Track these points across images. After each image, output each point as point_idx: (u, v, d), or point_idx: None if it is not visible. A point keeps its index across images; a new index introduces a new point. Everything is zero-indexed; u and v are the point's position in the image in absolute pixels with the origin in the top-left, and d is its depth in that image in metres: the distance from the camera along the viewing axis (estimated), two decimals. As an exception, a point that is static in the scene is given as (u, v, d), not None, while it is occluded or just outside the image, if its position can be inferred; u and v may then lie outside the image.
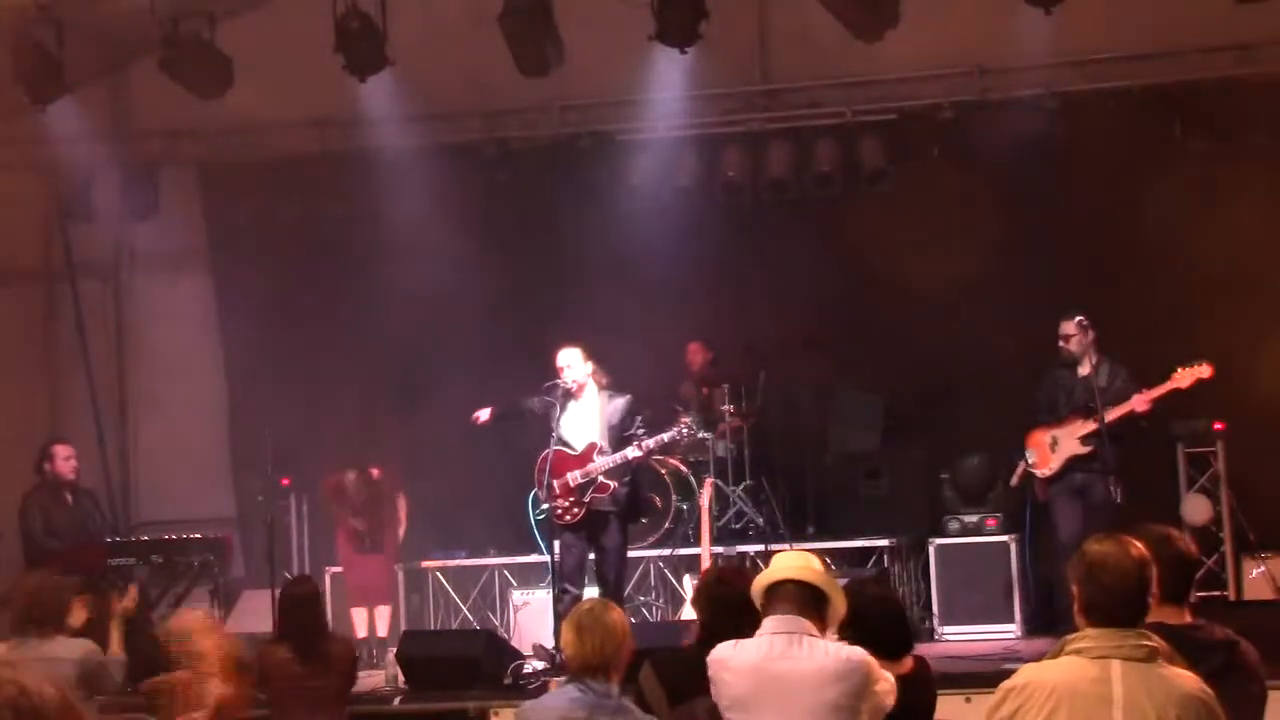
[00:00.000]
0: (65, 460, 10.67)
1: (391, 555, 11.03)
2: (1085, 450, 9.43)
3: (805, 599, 4.85)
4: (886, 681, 4.77)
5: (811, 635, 4.79)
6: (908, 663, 5.14)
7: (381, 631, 10.73)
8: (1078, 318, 9.53)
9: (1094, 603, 3.74)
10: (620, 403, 9.40)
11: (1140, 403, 9.34)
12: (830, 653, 4.75)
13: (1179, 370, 9.27)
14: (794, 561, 5.01)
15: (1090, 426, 9.37)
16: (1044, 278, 11.05)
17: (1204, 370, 9.24)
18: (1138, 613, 3.75)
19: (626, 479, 9.38)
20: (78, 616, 6.84)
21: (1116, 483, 9.37)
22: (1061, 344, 9.59)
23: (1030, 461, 9.73)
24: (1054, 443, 9.60)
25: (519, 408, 9.60)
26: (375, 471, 10.92)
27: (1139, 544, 3.83)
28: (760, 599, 4.96)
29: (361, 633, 10.68)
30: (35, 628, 6.62)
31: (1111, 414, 9.33)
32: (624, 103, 11.69)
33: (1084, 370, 9.56)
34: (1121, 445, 9.45)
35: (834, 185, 11.48)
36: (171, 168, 12.50)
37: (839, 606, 4.91)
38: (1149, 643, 3.70)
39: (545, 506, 9.35)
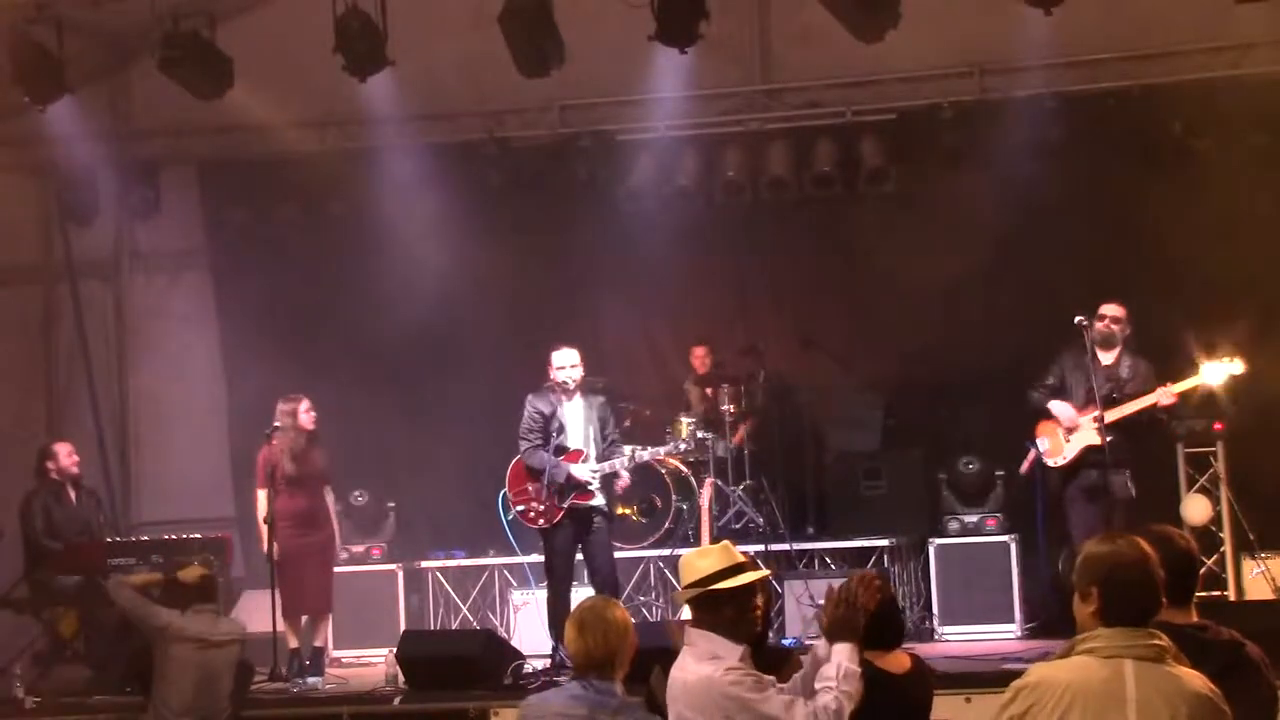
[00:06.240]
0: (69, 457, 10.76)
1: (329, 553, 10.35)
2: (1103, 441, 9.05)
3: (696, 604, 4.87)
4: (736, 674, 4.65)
5: (689, 646, 4.81)
6: (905, 660, 5.13)
7: (318, 641, 10.10)
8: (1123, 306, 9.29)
9: (1113, 604, 3.76)
10: (600, 402, 9.57)
11: (1165, 395, 9.14)
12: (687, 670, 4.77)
13: (1205, 363, 9.09)
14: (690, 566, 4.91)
15: (1113, 417, 9.05)
16: (1044, 278, 11.06)
17: (1235, 366, 9.04)
18: (1152, 611, 3.78)
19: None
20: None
21: (1132, 477, 9.27)
22: (1101, 324, 9.29)
23: (1043, 449, 9.47)
24: (1068, 431, 9.38)
25: (542, 460, 9.36)
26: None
27: (1145, 542, 3.84)
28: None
29: (293, 643, 9.99)
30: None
31: (1133, 406, 9.18)
32: (624, 103, 11.70)
33: (1108, 360, 9.37)
34: (1136, 440, 9.35)
35: (834, 185, 11.49)
36: (171, 168, 12.50)
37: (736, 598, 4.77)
38: (1159, 642, 3.73)
39: (517, 509, 9.54)
